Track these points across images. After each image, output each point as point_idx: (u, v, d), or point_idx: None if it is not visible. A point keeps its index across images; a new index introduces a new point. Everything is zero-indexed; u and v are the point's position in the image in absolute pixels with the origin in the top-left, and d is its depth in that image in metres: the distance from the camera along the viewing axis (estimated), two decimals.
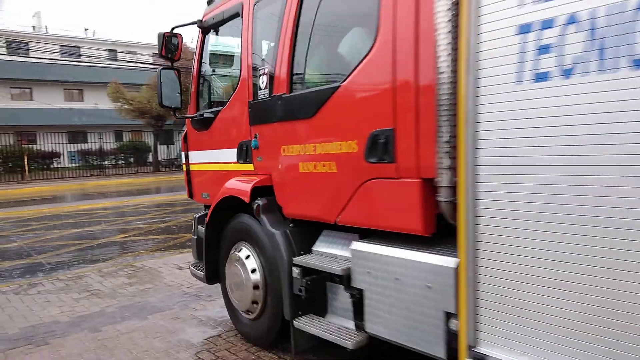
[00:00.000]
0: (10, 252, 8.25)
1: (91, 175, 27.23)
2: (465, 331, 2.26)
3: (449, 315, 2.44)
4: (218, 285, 4.51)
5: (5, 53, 31.74)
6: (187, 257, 7.34)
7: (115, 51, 38.03)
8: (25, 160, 23.16)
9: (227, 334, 4.42)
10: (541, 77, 1.89)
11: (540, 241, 1.94)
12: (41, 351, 4.14)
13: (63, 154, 27.76)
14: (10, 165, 22.98)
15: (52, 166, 26.48)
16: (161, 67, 4.59)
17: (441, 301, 2.46)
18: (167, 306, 5.20)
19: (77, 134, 31.38)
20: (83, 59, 34.48)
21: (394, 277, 2.71)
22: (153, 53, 35.51)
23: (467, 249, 2.20)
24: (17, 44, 34.66)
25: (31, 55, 33.77)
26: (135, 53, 37.22)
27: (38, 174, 24.09)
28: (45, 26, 38.50)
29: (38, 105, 33.77)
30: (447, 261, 2.44)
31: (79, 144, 29.67)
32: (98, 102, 34.80)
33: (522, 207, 1.98)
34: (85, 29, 41.01)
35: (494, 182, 2.08)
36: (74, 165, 29.38)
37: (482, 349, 2.19)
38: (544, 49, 1.88)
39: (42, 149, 26.26)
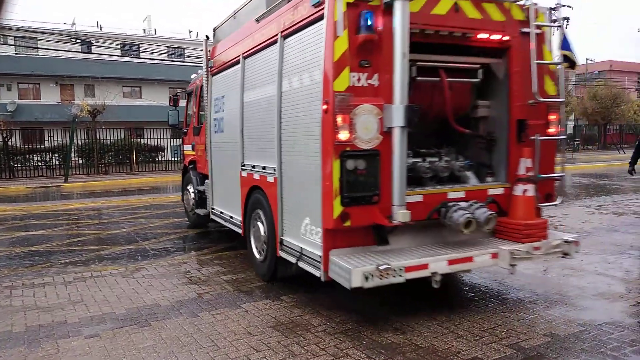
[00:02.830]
0: (119, 237, 8.95)
1: None
2: (211, 199, 7.99)
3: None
4: (311, 283, 4.57)
5: (119, 54, 34.60)
6: None
7: None
8: (134, 153, 25.09)
9: (316, 328, 4.41)
10: (217, 130, 7.57)
11: (219, 164, 7.60)
12: (144, 332, 4.40)
13: (167, 148, 29.66)
14: (120, 157, 25.00)
15: (157, 159, 28.42)
16: (169, 109, 10.49)
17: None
18: (258, 296, 5.32)
19: (179, 130, 33.38)
20: (186, 59, 36.62)
21: (205, 190, 8.34)
22: None
23: (210, 175, 7.91)
24: (129, 46, 37.65)
25: (141, 57, 36.50)
26: None
27: (144, 166, 25.99)
28: (154, 29, 41.37)
29: (146, 102, 36.45)
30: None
31: (180, 139, 31.54)
32: None
33: (217, 163, 7.68)
34: (190, 31, 43.51)
35: (215, 156, 7.70)
36: (175, 158, 31.28)
37: (214, 206, 7.89)
38: (215, 123, 7.61)
39: (149, 143, 28.27)
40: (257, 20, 5.86)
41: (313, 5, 4.41)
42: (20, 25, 29.59)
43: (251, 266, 6.53)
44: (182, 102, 10.64)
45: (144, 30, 41.53)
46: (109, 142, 24.34)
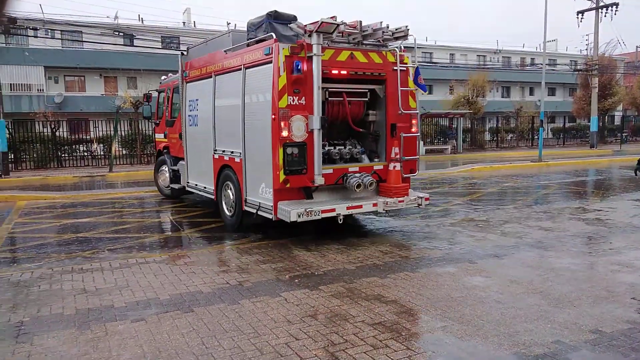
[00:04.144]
0: (162, 225, 9.19)
1: None
2: (186, 175, 10.53)
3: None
4: (337, 267, 4.53)
5: (160, 47, 35.31)
6: (320, 239, 7.53)
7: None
8: None
9: (354, 319, 4.42)
10: (191, 124, 9.97)
11: (194, 149, 10.10)
12: (187, 317, 4.52)
13: None
14: None
15: None
16: (144, 104, 13.53)
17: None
18: (297, 285, 5.37)
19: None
20: None
21: (179, 169, 11.03)
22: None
23: (185, 158, 10.44)
24: (170, 39, 38.37)
25: (181, 49, 37.16)
26: None
27: None
28: (194, 21, 41.93)
29: None
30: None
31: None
32: None
33: (191, 149, 10.18)
34: (228, 23, 43.91)
35: (190, 143, 10.21)
36: None
37: (189, 180, 10.37)
38: (190, 119, 10.04)
39: None
40: (226, 52, 8.43)
41: (265, 54, 7.08)
42: (66, 19, 30.60)
43: (289, 256, 6.62)
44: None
45: (184, 22, 42.19)
46: (150, 133, 24.95)
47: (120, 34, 32.05)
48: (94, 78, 35.94)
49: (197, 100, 9.71)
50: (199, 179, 9.80)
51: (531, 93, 50.97)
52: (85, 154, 23.59)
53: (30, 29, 22.59)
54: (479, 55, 48.68)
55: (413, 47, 8.12)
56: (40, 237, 8.17)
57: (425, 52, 45.44)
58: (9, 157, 18.93)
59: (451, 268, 5.99)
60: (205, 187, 9.46)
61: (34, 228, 9.03)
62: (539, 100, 25.64)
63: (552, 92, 51.43)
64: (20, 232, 8.75)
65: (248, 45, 7.79)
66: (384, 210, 7.42)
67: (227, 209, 8.61)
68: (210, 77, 8.86)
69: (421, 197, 7.76)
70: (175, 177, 11.24)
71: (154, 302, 4.93)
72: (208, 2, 69.01)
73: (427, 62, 43.45)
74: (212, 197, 9.08)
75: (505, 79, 46.16)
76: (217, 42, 9.30)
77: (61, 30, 31.83)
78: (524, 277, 5.61)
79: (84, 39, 32.98)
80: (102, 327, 4.31)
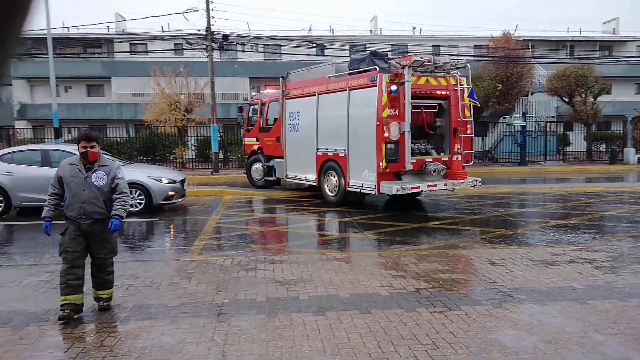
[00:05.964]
0: (344, 225, 9.53)
1: None
2: (285, 169, 13.56)
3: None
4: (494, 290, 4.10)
5: (347, 56, 37.01)
6: (504, 252, 7.01)
7: (439, 46, 39.57)
8: None
9: (546, 346, 3.95)
10: (292, 130, 13.17)
11: (294, 149, 13.25)
12: (365, 318, 4.57)
13: None
14: None
15: None
16: (238, 114, 16.56)
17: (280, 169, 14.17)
18: (478, 300, 5.04)
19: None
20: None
21: (273, 165, 14.35)
22: (475, 45, 35.77)
23: (284, 156, 13.46)
24: (357, 47, 39.91)
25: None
26: (457, 46, 37.89)
27: None
28: (380, 29, 42.93)
29: None
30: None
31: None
32: None
33: (291, 149, 13.36)
34: (413, 28, 43.97)
35: (289, 145, 13.34)
36: None
37: (288, 173, 13.50)
38: (290, 126, 13.21)
39: None
40: (329, 77, 11.59)
41: (370, 80, 10.13)
42: (268, 34, 34.03)
43: (471, 268, 6.30)
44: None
45: (371, 30, 43.46)
46: None
47: (313, 45, 34.46)
48: None
49: (298, 112, 12.78)
50: (299, 171, 12.89)
51: None
52: None
53: (239, 44, 25.66)
54: None
55: (468, 74, 11.08)
56: (240, 228, 9.19)
57: None
58: (219, 157, 21.76)
59: None
60: (305, 177, 12.59)
61: (236, 220, 10.19)
62: None
63: None
64: (224, 222, 9.95)
65: (350, 74, 11.03)
66: (451, 188, 10.62)
67: (330, 191, 11.73)
68: (314, 95, 11.99)
69: (476, 180, 10.94)
70: (269, 171, 14.45)
71: (334, 299, 5.10)
72: (394, 8, 70.03)
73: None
74: (314, 183, 12.23)
75: None
76: (319, 69, 12.56)
77: (264, 45, 35.48)
78: None
79: (282, 51, 36.26)
80: (287, 317, 4.61)
